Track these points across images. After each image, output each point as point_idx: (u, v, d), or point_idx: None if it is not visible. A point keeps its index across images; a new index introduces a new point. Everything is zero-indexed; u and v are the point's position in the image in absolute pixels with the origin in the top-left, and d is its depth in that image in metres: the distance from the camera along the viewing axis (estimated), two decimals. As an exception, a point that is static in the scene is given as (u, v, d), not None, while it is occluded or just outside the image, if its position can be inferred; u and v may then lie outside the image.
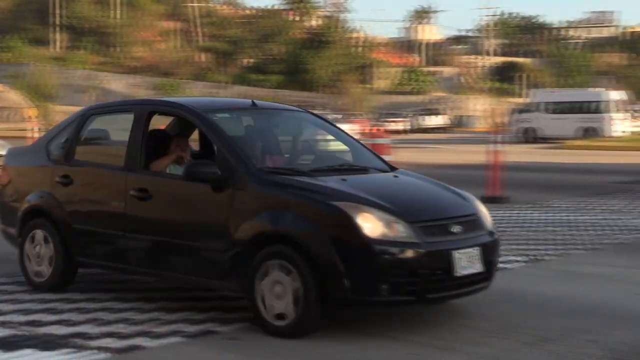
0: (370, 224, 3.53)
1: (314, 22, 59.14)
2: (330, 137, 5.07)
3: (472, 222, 3.94)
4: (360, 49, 57.75)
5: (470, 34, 68.61)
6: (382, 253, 3.50)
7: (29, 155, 5.44)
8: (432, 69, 58.41)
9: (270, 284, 3.63)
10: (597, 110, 27.12)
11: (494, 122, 31.54)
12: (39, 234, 4.79)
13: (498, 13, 64.02)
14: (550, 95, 30.60)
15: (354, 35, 58.64)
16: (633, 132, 27.79)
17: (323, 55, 52.99)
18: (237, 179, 3.90)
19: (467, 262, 3.64)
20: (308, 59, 52.76)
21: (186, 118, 4.71)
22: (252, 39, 56.73)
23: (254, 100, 5.06)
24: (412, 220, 3.64)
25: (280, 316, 3.58)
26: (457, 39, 69.27)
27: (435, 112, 43.32)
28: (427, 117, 41.24)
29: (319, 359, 3.28)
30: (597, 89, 31.57)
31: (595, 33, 68.12)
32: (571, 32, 67.90)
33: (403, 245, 3.55)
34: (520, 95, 50.35)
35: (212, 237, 4.02)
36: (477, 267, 3.72)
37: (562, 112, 27.84)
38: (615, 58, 62.10)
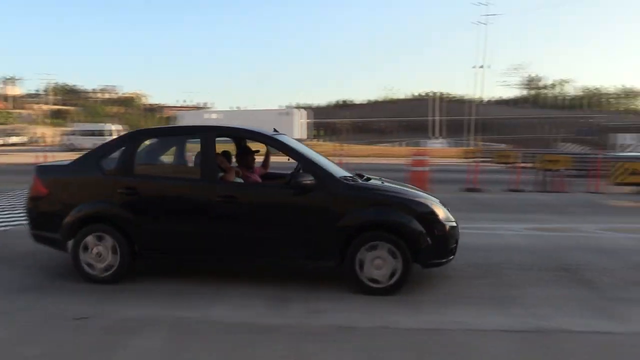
0: (440, 212, 5.60)
1: None
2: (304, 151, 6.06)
3: None
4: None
5: (39, 91, 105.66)
6: (449, 231, 5.56)
7: (73, 171, 6.10)
8: (16, 111, 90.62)
9: (373, 257, 5.35)
10: (102, 135, 47.01)
11: (51, 141, 57.88)
12: (100, 236, 5.75)
13: (53, 80, 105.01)
14: (82, 126, 53.95)
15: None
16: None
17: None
18: (328, 185, 5.46)
19: None
20: None
21: (257, 141, 6.17)
22: None
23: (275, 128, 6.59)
24: (446, 207, 5.82)
25: (375, 281, 5.36)
26: (30, 95, 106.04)
27: (16, 134, 68.18)
28: (11, 137, 64.96)
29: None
30: (105, 124, 54.24)
31: (107, 95, 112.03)
32: (95, 94, 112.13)
33: (454, 224, 5.71)
34: (66, 127, 69.57)
35: (311, 228, 5.49)
36: None
37: (88, 135, 47.81)
38: (117, 109, 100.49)
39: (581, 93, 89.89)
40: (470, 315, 5.00)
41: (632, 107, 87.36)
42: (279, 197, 5.72)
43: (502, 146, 45.75)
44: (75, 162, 6.21)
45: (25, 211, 6.50)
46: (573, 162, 21.25)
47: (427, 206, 5.65)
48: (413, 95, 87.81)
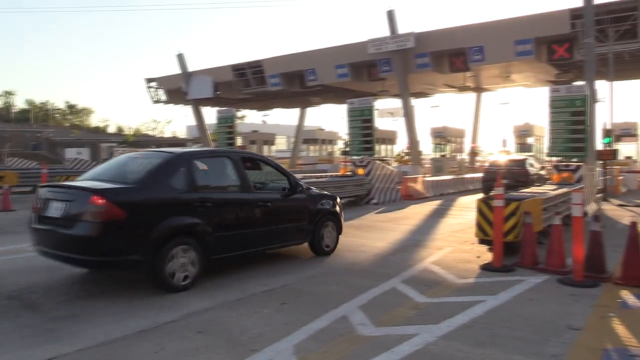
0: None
1: None
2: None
3: None
4: None
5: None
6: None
7: (145, 192, 6.27)
8: None
9: (327, 232, 8.93)
10: None
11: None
12: (181, 249, 6.33)
13: None
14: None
15: None
16: None
17: None
18: (304, 190, 8.52)
19: None
20: None
21: (265, 163, 8.50)
22: None
23: None
24: None
25: (327, 246, 8.97)
26: None
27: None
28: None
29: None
30: None
31: None
32: None
33: None
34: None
35: (301, 219, 8.42)
36: None
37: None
38: None
39: (28, 107, 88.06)
40: None
41: (77, 122, 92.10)
42: (287, 200, 8.21)
43: None
44: (142, 184, 6.37)
45: (87, 239, 5.80)
46: (20, 178, 20.30)
47: (336, 197, 9.49)
48: None
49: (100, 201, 5.85)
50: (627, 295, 6.38)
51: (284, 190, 8.27)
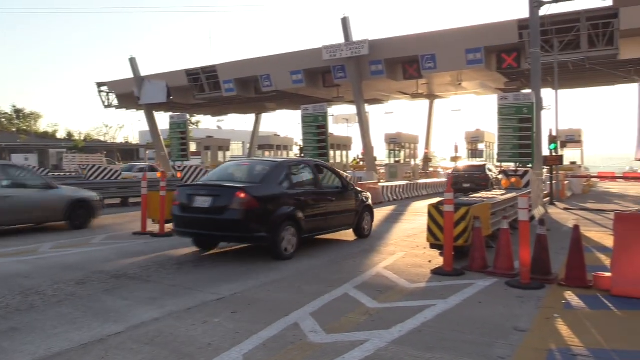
0: None
1: None
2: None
3: None
4: None
5: None
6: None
7: (267, 189, 9.00)
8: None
9: (366, 220, 11.90)
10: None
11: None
12: (288, 229, 9.04)
13: None
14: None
15: None
16: None
17: None
18: (352, 188, 11.58)
19: None
20: None
21: (324, 167, 11.19)
22: None
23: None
24: None
25: (367, 231, 11.99)
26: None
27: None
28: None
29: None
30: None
31: None
32: None
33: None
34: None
35: (352, 209, 11.27)
36: None
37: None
38: None
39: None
40: None
41: (24, 127, 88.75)
42: (343, 195, 10.95)
43: None
44: (263, 183, 9.12)
45: (234, 222, 8.45)
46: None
47: (368, 193, 12.53)
48: None
49: (242, 195, 8.47)
50: (570, 296, 6.60)
51: (338, 188, 10.88)
